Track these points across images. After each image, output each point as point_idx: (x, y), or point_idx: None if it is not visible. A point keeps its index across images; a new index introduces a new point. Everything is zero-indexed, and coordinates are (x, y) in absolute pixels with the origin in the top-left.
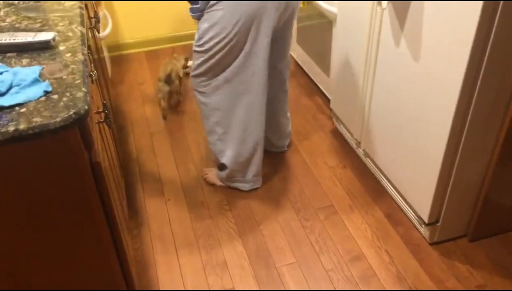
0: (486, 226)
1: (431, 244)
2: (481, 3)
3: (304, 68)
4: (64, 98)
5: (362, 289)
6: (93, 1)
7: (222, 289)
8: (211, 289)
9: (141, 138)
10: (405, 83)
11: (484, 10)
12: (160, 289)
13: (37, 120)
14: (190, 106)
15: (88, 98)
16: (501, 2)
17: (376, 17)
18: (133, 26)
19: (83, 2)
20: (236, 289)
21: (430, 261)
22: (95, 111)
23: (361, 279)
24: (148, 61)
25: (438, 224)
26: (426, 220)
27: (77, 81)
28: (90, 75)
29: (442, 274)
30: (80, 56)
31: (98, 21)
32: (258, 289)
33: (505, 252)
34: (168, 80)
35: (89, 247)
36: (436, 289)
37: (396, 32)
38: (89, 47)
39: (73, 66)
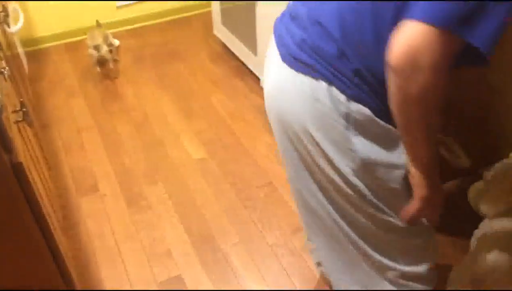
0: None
1: None
2: None
3: (232, 49)
4: None
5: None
6: None
7: (168, 278)
8: (157, 279)
9: (68, 135)
10: None
11: None
12: (105, 286)
13: None
14: (122, 87)
15: None
16: None
17: None
18: (48, 18)
19: None
20: (183, 276)
21: None
22: (11, 111)
23: (304, 249)
24: (69, 54)
25: None
26: None
27: None
28: (1, 72)
29: None
30: None
31: (7, 15)
32: (205, 273)
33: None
34: (96, 47)
35: (21, 252)
36: None
37: None
38: None
39: None
